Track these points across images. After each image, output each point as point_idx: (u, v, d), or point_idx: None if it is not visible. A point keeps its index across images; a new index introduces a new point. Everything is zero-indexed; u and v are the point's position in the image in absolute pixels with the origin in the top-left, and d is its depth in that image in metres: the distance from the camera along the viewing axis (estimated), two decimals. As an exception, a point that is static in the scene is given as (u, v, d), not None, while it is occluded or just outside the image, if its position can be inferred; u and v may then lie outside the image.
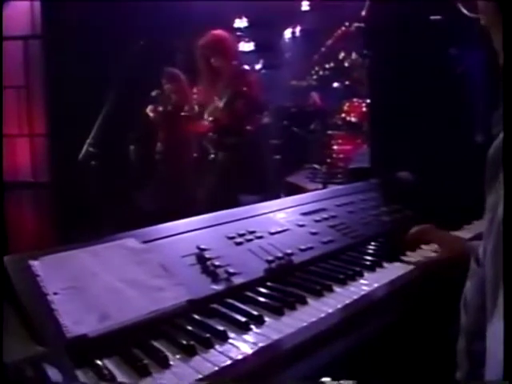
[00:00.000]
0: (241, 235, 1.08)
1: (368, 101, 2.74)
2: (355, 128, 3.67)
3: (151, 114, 3.30)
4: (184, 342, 0.73)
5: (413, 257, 1.09)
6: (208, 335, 0.75)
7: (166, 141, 3.27)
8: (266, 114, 3.34)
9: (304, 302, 0.87)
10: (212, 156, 2.90)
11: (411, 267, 1.03)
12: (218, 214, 1.18)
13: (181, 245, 1.00)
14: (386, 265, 1.04)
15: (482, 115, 1.65)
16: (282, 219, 1.20)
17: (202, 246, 1.00)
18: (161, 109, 3.29)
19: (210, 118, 2.89)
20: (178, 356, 0.71)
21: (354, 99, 3.89)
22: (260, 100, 3.02)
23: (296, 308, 0.85)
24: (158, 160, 3.27)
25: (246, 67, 3.06)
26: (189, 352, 0.72)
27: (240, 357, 0.71)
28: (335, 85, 4.37)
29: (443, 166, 1.59)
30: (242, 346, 0.74)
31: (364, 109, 3.65)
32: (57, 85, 3.10)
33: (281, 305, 0.85)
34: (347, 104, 3.93)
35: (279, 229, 1.13)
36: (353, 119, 3.75)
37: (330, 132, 3.96)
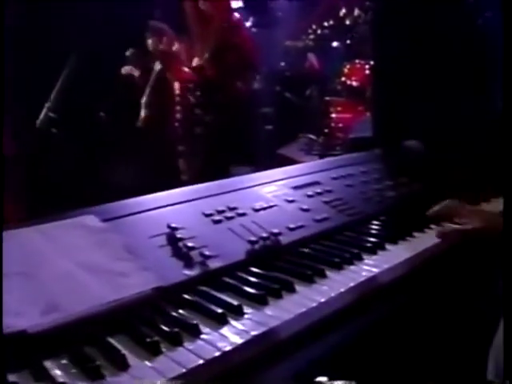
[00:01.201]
0: (220, 212, 1.03)
1: (372, 62, 2.68)
2: (357, 93, 3.61)
3: (133, 74, 3.19)
4: (147, 339, 0.68)
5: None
6: (177, 330, 0.70)
7: (150, 106, 3.17)
8: (257, 77, 3.26)
9: (292, 290, 0.83)
10: (197, 115, 2.82)
11: (419, 250, 0.98)
12: (194, 188, 1.14)
13: (149, 223, 0.96)
14: (389, 247, 1.00)
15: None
16: (269, 194, 1.15)
17: (174, 225, 0.95)
18: (140, 71, 3.18)
19: (195, 65, 2.78)
20: (138, 355, 0.66)
21: (356, 61, 3.83)
22: (253, 56, 2.92)
23: (282, 297, 0.81)
24: (139, 128, 3.18)
25: (238, 16, 2.94)
26: (152, 350, 0.67)
27: (214, 356, 0.66)
28: (335, 45, 4.28)
29: (458, 134, 1.55)
30: (218, 342, 0.69)
31: (367, 72, 3.60)
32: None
33: (264, 293, 0.80)
34: (348, 66, 3.87)
35: (265, 205, 1.09)
36: (354, 83, 3.70)
37: (328, 98, 3.90)
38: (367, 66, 3.60)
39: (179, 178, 2.85)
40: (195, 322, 0.72)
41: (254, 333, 0.71)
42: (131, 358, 0.65)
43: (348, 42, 4.06)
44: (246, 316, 0.76)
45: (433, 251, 1.01)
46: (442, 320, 1.01)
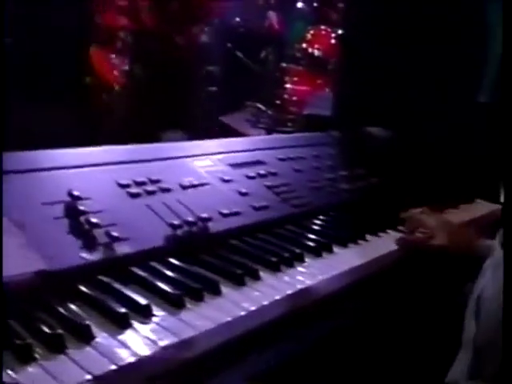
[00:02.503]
0: (139, 184, 0.96)
1: (340, 31, 2.65)
2: (318, 64, 3.59)
3: None
4: (18, 342, 0.59)
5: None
6: (60, 332, 0.62)
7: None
8: (205, 31, 3.15)
9: (216, 292, 0.77)
10: (126, 68, 2.68)
11: (372, 257, 0.97)
12: (109, 149, 1.07)
13: (45, 186, 0.87)
14: (337, 250, 0.98)
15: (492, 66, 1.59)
16: (202, 169, 1.10)
17: (77, 193, 0.86)
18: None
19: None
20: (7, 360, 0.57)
21: (322, 27, 3.78)
22: (202, 7, 2.81)
23: (203, 299, 0.75)
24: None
25: None
26: (24, 358, 0.58)
27: (106, 371, 0.58)
28: (300, 5, 4.22)
29: (431, 127, 1.55)
30: (114, 352, 0.62)
31: (333, 40, 3.56)
32: None
33: (181, 293, 0.74)
34: (311, 32, 3.83)
35: (196, 182, 1.03)
36: (316, 52, 3.67)
37: (284, 65, 3.85)
38: (334, 35, 3.57)
39: (96, 135, 2.70)
40: (87, 322, 0.65)
41: (162, 343, 0.65)
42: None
43: (315, 4, 4.00)
44: (154, 319, 0.69)
45: (387, 260, 0.99)
46: (393, 337, 1.01)
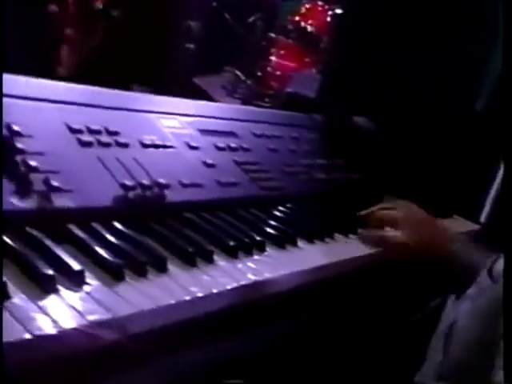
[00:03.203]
0: (93, 132, 0.90)
1: (338, 11, 2.63)
2: (309, 41, 3.56)
3: None
4: None
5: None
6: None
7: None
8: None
9: (162, 269, 0.73)
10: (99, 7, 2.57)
11: (337, 259, 0.95)
12: (65, 86, 0.99)
13: None
14: (301, 244, 0.96)
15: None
16: (168, 129, 1.05)
17: (16, 128, 0.79)
18: None
19: None
20: None
21: (319, 2, 3.75)
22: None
23: (146, 275, 0.70)
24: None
25: None
26: None
27: (16, 339, 0.53)
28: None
29: (420, 127, 1.55)
30: (33, 319, 0.56)
31: (328, 18, 3.52)
32: None
33: (122, 263, 0.69)
34: (307, 6, 3.81)
35: (158, 142, 0.99)
36: (309, 28, 3.63)
37: (272, 35, 3.79)
38: (330, 12, 3.54)
39: (54, 69, 2.58)
40: (4, 279, 0.59)
41: (91, 317, 0.59)
42: None
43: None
44: (86, 288, 0.64)
45: (353, 265, 0.98)
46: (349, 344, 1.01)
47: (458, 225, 1.35)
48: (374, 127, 1.54)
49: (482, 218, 1.60)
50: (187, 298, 0.69)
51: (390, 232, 1.03)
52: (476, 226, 1.41)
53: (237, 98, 3.47)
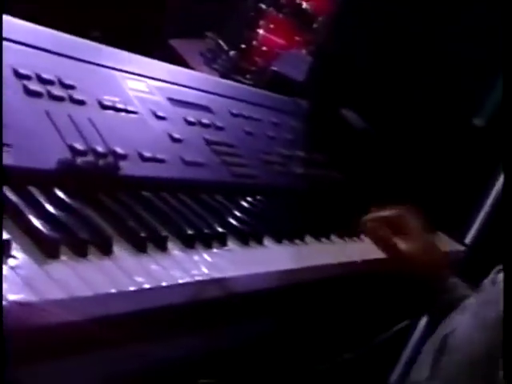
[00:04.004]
0: (44, 81, 0.87)
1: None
2: (303, 18, 3.53)
3: None
4: None
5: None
6: None
7: None
8: None
9: (106, 250, 0.69)
10: None
11: (305, 265, 0.94)
12: (17, 23, 0.95)
13: None
14: (268, 243, 0.94)
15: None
16: (134, 92, 1.03)
17: None
18: None
19: None
20: None
21: (321, -22, 3.72)
22: None
23: (86, 254, 0.67)
24: None
25: None
26: None
27: None
28: None
29: (412, 135, 1.56)
30: None
31: (328, -3, 3.51)
32: None
33: (57, 238, 0.65)
34: (306, -21, 3.74)
35: (121, 105, 0.96)
36: (304, 4, 3.60)
37: (263, 6, 3.75)
38: (331, -9, 3.53)
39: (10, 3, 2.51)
40: None
41: (12, 296, 0.55)
42: None
43: None
44: (10, 262, 0.60)
45: (320, 273, 0.97)
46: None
47: (442, 243, 1.36)
48: (363, 125, 1.53)
49: (467, 240, 1.63)
50: (132, 288, 0.66)
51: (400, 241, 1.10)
52: (459, 247, 1.42)
53: (215, 68, 3.43)
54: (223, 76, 3.20)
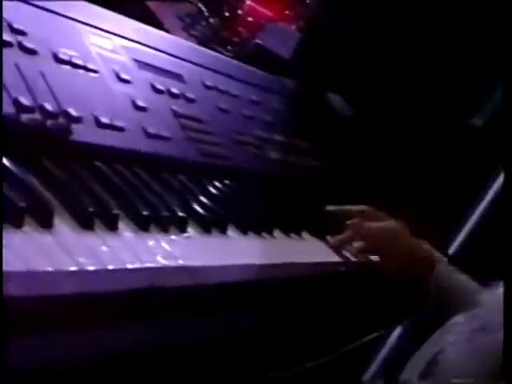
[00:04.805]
0: None
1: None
2: (295, -9, 3.52)
3: None
4: None
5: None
6: None
7: None
8: None
9: (46, 223, 0.67)
10: None
11: (271, 261, 0.94)
12: None
13: None
14: (232, 233, 0.94)
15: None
16: (96, 48, 1.02)
17: None
18: None
19: None
20: None
21: None
22: None
23: (22, 226, 0.65)
24: None
25: None
26: None
27: None
28: None
29: (407, 131, 1.57)
30: None
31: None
32: None
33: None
34: None
35: (79, 61, 0.95)
36: (299, -24, 3.60)
37: (253, -27, 3.74)
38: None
39: None
40: None
41: None
42: None
43: None
44: None
45: (286, 271, 0.96)
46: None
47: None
48: (350, 112, 1.54)
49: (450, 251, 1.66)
50: (72, 268, 0.64)
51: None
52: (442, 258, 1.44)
53: (193, 35, 3.40)
54: (201, 44, 3.18)
